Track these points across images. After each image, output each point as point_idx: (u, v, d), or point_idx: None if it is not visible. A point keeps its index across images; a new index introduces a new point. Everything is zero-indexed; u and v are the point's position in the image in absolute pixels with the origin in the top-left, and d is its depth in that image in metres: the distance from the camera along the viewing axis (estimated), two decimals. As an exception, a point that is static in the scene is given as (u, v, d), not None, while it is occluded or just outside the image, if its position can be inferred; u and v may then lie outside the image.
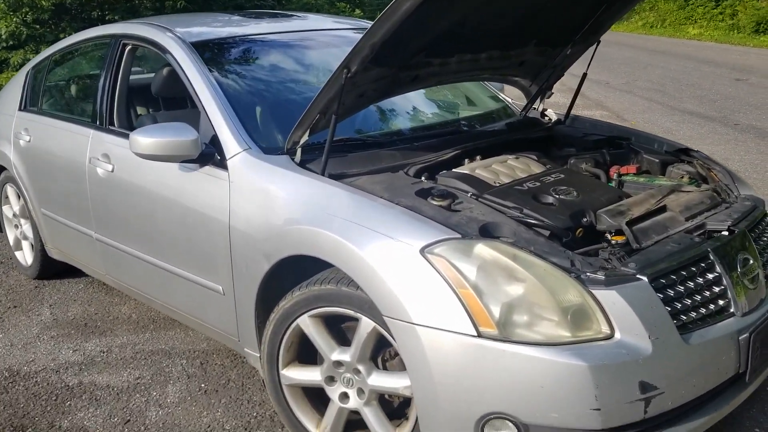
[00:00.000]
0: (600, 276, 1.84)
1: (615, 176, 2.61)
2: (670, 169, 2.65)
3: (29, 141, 3.69)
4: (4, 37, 12.03)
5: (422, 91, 3.09)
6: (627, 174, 2.62)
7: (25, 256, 4.11)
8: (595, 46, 2.97)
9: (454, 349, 1.82)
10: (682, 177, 2.59)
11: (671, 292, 1.91)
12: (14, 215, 4.12)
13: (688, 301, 1.94)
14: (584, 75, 3.09)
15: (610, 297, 1.81)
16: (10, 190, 4.08)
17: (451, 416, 1.87)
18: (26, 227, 4.02)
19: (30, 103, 3.91)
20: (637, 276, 1.87)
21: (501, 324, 1.80)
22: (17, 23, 12.05)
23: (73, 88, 3.84)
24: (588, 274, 1.85)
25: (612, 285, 1.83)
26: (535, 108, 3.24)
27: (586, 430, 1.77)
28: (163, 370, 3.00)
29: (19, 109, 3.93)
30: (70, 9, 13.42)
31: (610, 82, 11.17)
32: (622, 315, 1.80)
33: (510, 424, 1.82)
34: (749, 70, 11.55)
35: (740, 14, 18.81)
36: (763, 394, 2.60)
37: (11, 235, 4.22)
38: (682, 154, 2.78)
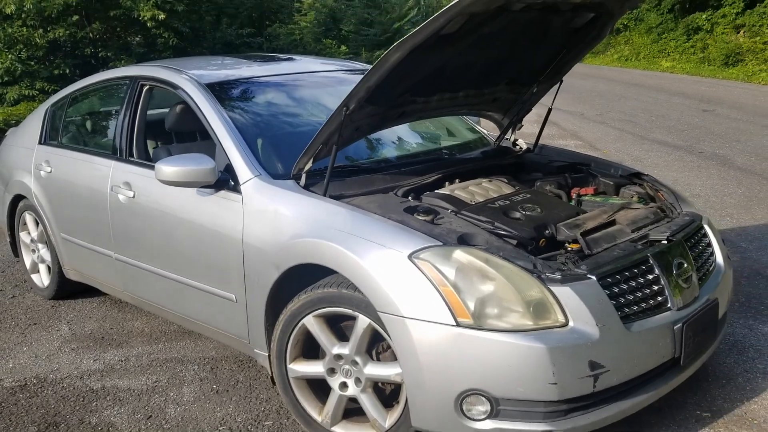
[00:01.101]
0: (557, 276, 2.25)
1: (575, 196, 3.03)
2: (623, 190, 3.07)
3: (50, 172, 4.06)
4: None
5: (409, 124, 3.50)
6: (585, 194, 3.04)
7: (42, 278, 4.44)
8: (558, 84, 3.39)
9: (436, 337, 2.21)
10: (632, 197, 3.01)
11: (616, 289, 2.32)
12: (32, 240, 4.46)
13: (631, 297, 2.34)
14: (549, 110, 3.51)
15: (565, 292, 2.22)
16: (28, 218, 4.43)
17: (435, 395, 2.25)
18: (43, 251, 4.36)
19: (50, 137, 4.29)
20: (588, 276, 2.27)
21: (475, 315, 2.19)
22: (12, 60, 12.47)
23: (94, 124, 4.22)
24: (547, 274, 2.25)
25: (566, 283, 2.23)
26: (507, 138, 3.66)
27: (545, 401, 2.16)
28: (178, 374, 3.34)
29: (39, 143, 4.30)
30: (63, 46, 13.86)
31: (584, 114, 11.71)
32: (575, 307, 2.20)
33: (483, 398, 2.20)
34: (716, 102, 12.15)
35: (710, 47, 19.58)
36: (705, 383, 2.99)
37: (28, 259, 4.56)
38: (634, 177, 3.21)
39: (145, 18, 12.88)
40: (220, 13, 19.20)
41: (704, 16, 20.95)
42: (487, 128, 3.97)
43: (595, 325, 2.20)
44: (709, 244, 2.87)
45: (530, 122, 9.06)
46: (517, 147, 3.62)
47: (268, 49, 18.99)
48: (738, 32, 19.37)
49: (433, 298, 2.23)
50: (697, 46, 20.61)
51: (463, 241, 2.36)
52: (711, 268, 2.78)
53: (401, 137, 3.49)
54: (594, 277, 2.27)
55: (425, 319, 2.23)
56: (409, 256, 2.29)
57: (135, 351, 3.62)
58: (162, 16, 12.84)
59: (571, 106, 12.92)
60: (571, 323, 2.20)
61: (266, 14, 23.84)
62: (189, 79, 3.35)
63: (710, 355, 2.78)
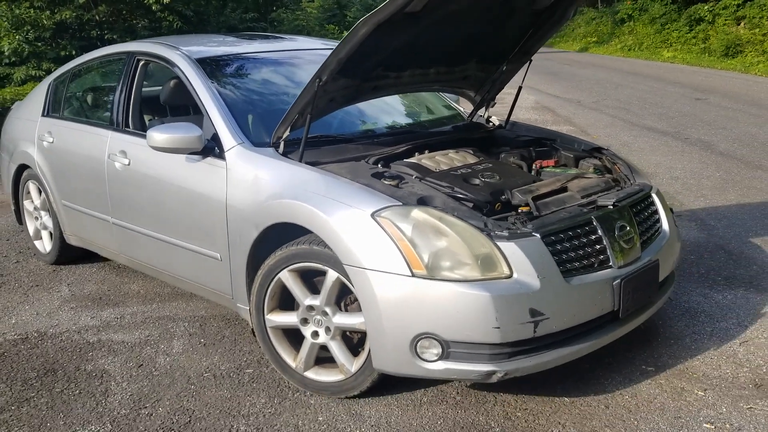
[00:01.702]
0: (504, 233, 2.48)
1: (538, 167, 3.26)
2: (582, 163, 3.30)
3: (52, 142, 4.31)
4: (7, 53, 12.69)
5: (387, 99, 3.72)
6: (547, 166, 3.27)
7: (44, 244, 4.70)
8: (527, 63, 3.61)
9: (394, 286, 2.46)
10: (589, 168, 3.24)
11: (559, 247, 2.56)
12: (35, 208, 4.72)
13: (573, 254, 2.58)
14: (519, 88, 3.73)
15: (510, 248, 2.45)
16: (31, 186, 4.68)
17: (393, 339, 2.49)
18: (46, 218, 4.62)
19: (52, 110, 4.53)
20: (532, 233, 2.51)
21: (429, 267, 2.43)
22: (20, 41, 12.72)
23: (93, 97, 4.46)
24: (496, 232, 2.49)
25: (512, 239, 2.47)
26: (481, 115, 3.89)
27: (490, 343, 2.40)
28: (169, 330, 3.59)
29: (42, 115, 4.55)
30: (70, 28, 14.10)
31: (581, 101, 11.90)
32: (519, 261, 2.44)
33: (435, 341, 2.44)
34: (710, 91, 12.31)
35: (712, 38, 19.67)
36: (654, 342, 3.23)
37: (31, 226, 4.82)
38: (595, 151, 3.44)
39: (150, 1, 13.11)
40: (226, -3, 19.38)
41: (706, 8, 21.00)
42: (465, 106, 4.19)
43: (536, 277, 2.44)
44: (656, 212, 3.10)
45: (523, 109, 9.29)
46: (490, 123, 3.84)
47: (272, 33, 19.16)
48: (739, 24, 19.44)
49: (391, 252, 2.47)
50: (699, 37, 20.69)
51: (422, 202, 2.59)
52: (655, 233, 3.01)
53: (377, 111, 3.72)
54: (538, 235, 2.51)
55: (384, 270, 2.47)
56: (372, 215, 2.53)
57: (130, 310, 3.87)
58: (167, 0, 13.06)
59: (569, 93, 13.11)
60: (515, 275, 2.43)
61: (271, 0, 24.00)
62: (181, 54, 3.58)
63: (654, 312, 3.02)
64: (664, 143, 7.84)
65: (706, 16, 20.90)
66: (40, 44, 12.97)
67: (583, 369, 3.00)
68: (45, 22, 12.81)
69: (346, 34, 2.65)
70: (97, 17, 13.64)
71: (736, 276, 3.99)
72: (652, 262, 2.83)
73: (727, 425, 2.60)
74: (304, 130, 2.89)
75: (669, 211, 3.20)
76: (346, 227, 2.56)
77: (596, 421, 2.64)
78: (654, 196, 3.15)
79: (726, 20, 19.94)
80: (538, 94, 13.29)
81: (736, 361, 3.07)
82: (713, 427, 2.59)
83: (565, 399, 2.80)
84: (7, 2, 12.68)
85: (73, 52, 12.69)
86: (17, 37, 12.57)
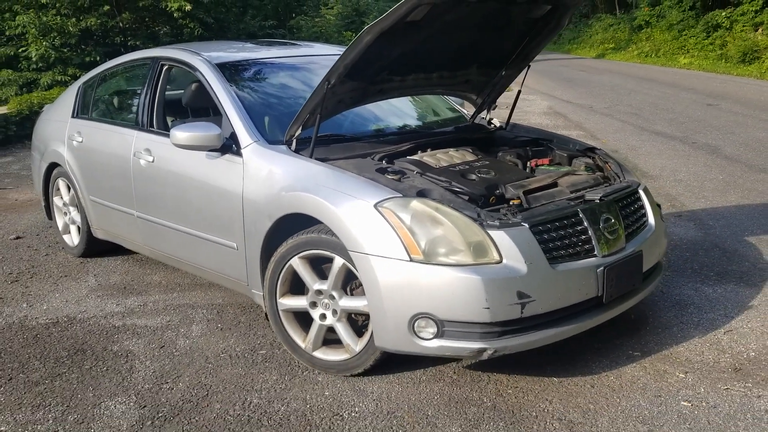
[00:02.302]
0: (495, 223, 2.71)
1: (534, 165, 3.48)
2: (575, 161, 3.51)
3: (81, 141, 4.60)
4: (34, 59, 13.13)
5: (394, 101, 3.97)
6: (542, 164, 3.49)
7: (72, 238, 4.99)
8: (526, 69, 3.83)
9: (394, 270, 2.69)
10: (581, 166, 3.46)
11: (546, 236, 2.78)
12: (64, 204, 5.01)
13: (559, 243, 2.80)
14: (519, 92, 3.96)
15: (500, 236, 2.68)
16: (61, 184, 4.98)
17: (393, 319, 2.73)
18: (74, 214, 4.91)
19: (81, 111, 4.83)
20: (521, 223, 2.74)
21: (426, 253, 2.67)
22: (46, 47, 13.16)
23: (120, 99, 4.76)
24: (488, 221, 2.72)
25: (502, 228, 2.70)
26: (483, 117, 4.12)
27: (480, 323, 2.63)
28: (188, 316, 3.85)
29: (72, 117, 4.85)
30: (95, 35, 14.53)
31: (593, 106, 12.07)
32: (508, 248, 2.67)
33: (431, 321, 2.68)
34: (723, 97, 12.42)
35: (729, 45, 19.73)
36: (643, 330, 3.44)
37: (60, 221, 5.11)
38: (588, 151, 3.65)
39: (172, 9, 13.50)
40: (246, 5, 19.79)
41: (724, 14, 21.07)
42: (470, 109, 4.42)
43: (524, 262, 2.66)
44: (642, 207, 3.31)
45: (536, 114, 9.55)
46: (491, 125, 4.07)
47: (290, 39, 19.54)
48: (756, 30, 19.48)
49: (392, 239, 2.71)
50: (716, 43, 20.75)
51: (422, 194, 2.83)
52: (640, 227, 3.22)
53: (385, 113, 3.96)
54: (526, 225, 2.74)
55: (385, 255, 2.71)
56: (375, 205, 2.77)
57: (153, 298, 4.14)
58: (188, 7, 13.45)
59: (582, 99, 13.29)
60: (504, 261, 2.66)
61: (291, 7, 24.41)
62: (202, 59, 3.85)
63: (639, 300, 3.23)
64: (671, 147, 8.01)
65: (723, 23, 20.97)
66: (66, 50, 13.41)
67: (574, 352, 3.21)
68: (71, 29, 13.25)
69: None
70: (121, 24, 14.07)
71: (728, 272, 4.18)
72: (636, 253, 3.04)
73: (704, 403, 2.80)
74: (315, 129, 3.13)
75: (656, 207, 3.40)
76: (351, 217, 2.81)
77: (581, 398, 2.86)
78: (641, 192, 3.36)
79: (744, 26, 20.00)
80: (552, 99, 13.49)
81: (719, 348, 3.26)
82: (690, 404, 2.79)
83: (554, 379, 3.01)
84: (35, 10, 13.12)
85: (98, 58, 13.12)
86: (44, 43, 13.01)
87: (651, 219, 3.31)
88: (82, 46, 13.95)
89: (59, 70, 13.34)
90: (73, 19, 13.34)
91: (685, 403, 2.80)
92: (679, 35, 23.33)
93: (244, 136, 3.38)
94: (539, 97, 14.06)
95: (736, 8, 20.80)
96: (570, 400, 2.85)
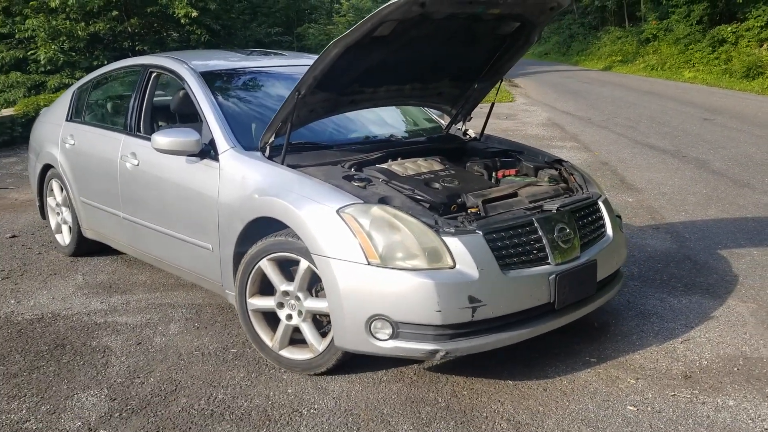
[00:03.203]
0: (451, 230, 2.84)
1: (501, 176, 3.61)
2: (540, 173, 3.63)
3: (74, 144, 4.76)
4: (43, 62, 13.36)
5: (372, 111, 4.10)
6: (508, 175, 3.61)
7: (64, 237, 5.15)
8: (499, 82, 3.95)
9: (352, 272, 2.82)
10: (545, 177, 3.57)
11: (500, 243, 2.90)
12: (57, 204, 5.17)
13: (512, 250, 2.92)
14: (492, 104, 4.08)
15: (454, 242, 2.81)
16: (54, 185, 5.14)
17: (351, 319, 2.85)
18: (66, 214, 5.07)
19: (75, 115, 5.00)
20: (475, 231, 2.86)
21: (383, 257, 2.79)
22: (55, 50, 13.39)
23: (110, 104, 4.92)
24: (444, 228, 2.84)
25: (457, 235, 2.82)
26: (459, 128, 4.24)
27: (433, 325, 2.75)
28: (168, 315, 3.99)
29: (66, 120, 5.01)
30: (103, 39, 14.77)
31: (592, 119, 12.18)
32: (461, 254, 2.79)
33: (387, 322, 2.80)
34: (721, 111, 12.49)
35: (734, 60, 19.77)
36: (602, 338, 3.54)
37: (53, 221, 5.27)
38: (555, 163, 3.77)
39: (179, 15, 13.72)
40: (255, 12, 20.02)
41: (729, 29, 21.12)
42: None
43: (476, 268, 2.78)
44: (601, 218, 3.42)
45: (534, 125, 9.66)
46: (466, 136, 4.19)
47: (296, 47, 19.75)
48: (761, 46, 19.53)
49: (351, 243, 2.84)
50: (722, 57, 20.78)
51: (383, 201, 2.96)
52: (597, 237, 3.33)
53: (361, 122, 4.10)
54: (480, 232, 2.86)
55: (344, 258, 2.84)
56: (337, 211, 2.90)
57: (136, 297, 4.28)
58: (195, 14, 13.66)
59: (582, 111, 13.39)
60: (457, 266, 2.78)
61: (302, 15, 24.63)
62: (187, 68, 4.01)
63: (593, 308, 3.33)
64: (661, 161, 8.11)
65: (729, 38, 21.01)
66: (74, 54, 13.64)
67: (531, 357, 3.32)
68: (80, 33, 13.49)
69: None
70: (129, 29, 14.30)
71: (695, 283, 4.28)
72: (590, 262, 3.16)
73: (649, 408, 2.90)
74: (286, 137, 3.27)
75: (615, 218, 3.52)
76: (315, 221, 2.94)
77: (532, 401, 2.97)
78: (600, 203, 3.47)
79: (749, 42, 20.05)
80: (552, 111, 13.60)
81: (673, 356, 3.36)
82: (636, 409, 2.89)
83: (509, 382, 3.12)
84: (45, 14, 13.37)
85: (105, 62, 13.33)
86: (53, 47, 13.24)
87: (609, 230, 3.42)
88: (90, 50, 14.19)
89: (67, 73, 13.58)
90: (82, 24, 13.59)
91: (632, 408, 2.90)
92: (685, 49, 23.38)
93: (221, 142, 3.52)
94: (540, 108, 14.18)
95: (742, 23, 20.86)
96: (521, 402, 2.96)
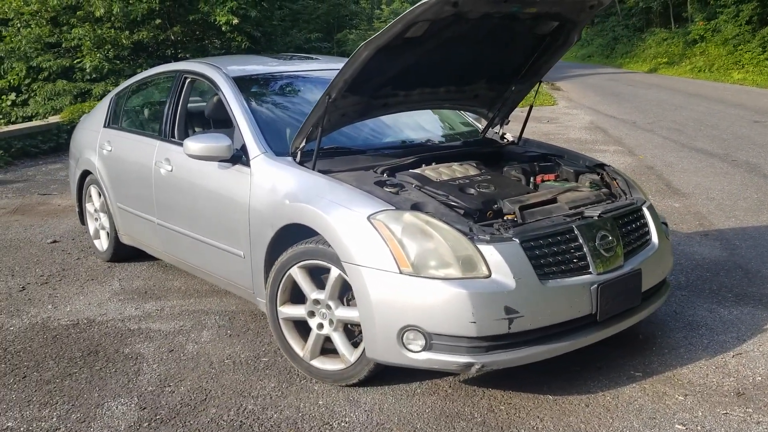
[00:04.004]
0: (486, 237, 2.72)
1: (540, 181, 3.47)
2: (581, 177, 3.49)
3: (110, 150, 4.78)
4: (88, 70, 13.62)
5: (408, 114, 4.00)
6: (548, 180, 3.48)
7: (102, 243, 5.17)
8: (538, 84, 3.82)
9: (383, 282, 2.73)
10: (586, 182, 3.43)
11: (538, 252, 2.77)
12: (95, 210, 5.21)
13: (551, 259, 2.79)
14: (530, 107, 3.95)
15: (489, 250, 2.69)
16: (93, 191, 5.17)
17: (383, 330, 2.76)
18: (104, 219, 5.09)
19: (112, 121, 5.02)
20: (512, 239, 2.74)
21: (415, 265, 2.69)
22: (100, 59, 13.62)
23: (146, 110, 4.93)
24: (478, 236, 2.73)
25: (492, 242, 2.70)
26: (497, 132, 4.12)
27: (467, 337, 2.64)
28: (201, 322, 3.95)
29: (104, 126, 5.04)
30: (147, 47, 15.00)
31: (636, 122, 11.87)
32: (497, 263, 2.68)
33: (419, 333, 2.70)
34: (772, 114, 12.07)
35: (786, 60, 19.14)
36: (648, 351, 3.37)
37: (92, 226, 5.31)
38: (597, 167, 3.62)
39: (221, 22, 13.85)
40: (296, 18, 20.14)
41: (781, 28, 20.46)
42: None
43: (512, 277, 2.66)
44: (645, 225, 3.26)
45: (576, 129, 9.49)
46: (504, 140, 4.07)
47: (336, 53, 19.80)
48: (815, 45, 18.85)
49: (383, 251, 2.74)
50: (773, 58, 20.16)
51: (415, 207, 2.86)
52: (642, 245, 3.17)
53: (396, 126, 4.01)
54: (517, 240, 2.73)
55: (376, 267, 2.75)
56: (368, 217, 2.81)
57: (170, 303, 4.26)
58: (236, 21, 13.77)
59: (626, 114, 13.07)
60: (493, 275, 2.67)
61: (342, 21, 24.73)
62: (221, 73, 3.97)
63: (638, 320, 3.17)
64: (709, 165, 7.83)
65: (780, 37, 20.38)
66: (118, 62, 13.87)
67: (572, 370, 3.18)
68: (124, 42, 13.70)
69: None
70: (172, 37, 14.49)
71: (747, 293, 4.07)
72: (635, 271, 3.00)
73: (699, 427, 2.74)
74: (317, 142, 3.20)
75: (661, 225, 3.35)
76: (345, 228, 2.86)
77: (573, 417, 2.83)
78: (645, 209, 3.31)
79: (802, 41, 19.40)
80: (596, 114, 13.32)
81: (724, 371, 3.18)
82: (685, 428, 2.73)
83: (549, 396, 2.99)
84: (91, 23, 13.63)
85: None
86: (98, 55, 13.48)
87: (654, 237, 3.26)
88: (134, 58, 14.42)
89: (112, 81, 13.79)
90: (126, 32, 13.80)
91: (680, 427, 2.74)
92: (734, 50, 22.73)
93: (253, 147, 3.47)
94: (583, 111, 13.90)
95: (795, 22, 20.19)
96: (562, 418, 2.82)
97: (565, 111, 14.00)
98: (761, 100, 14.28)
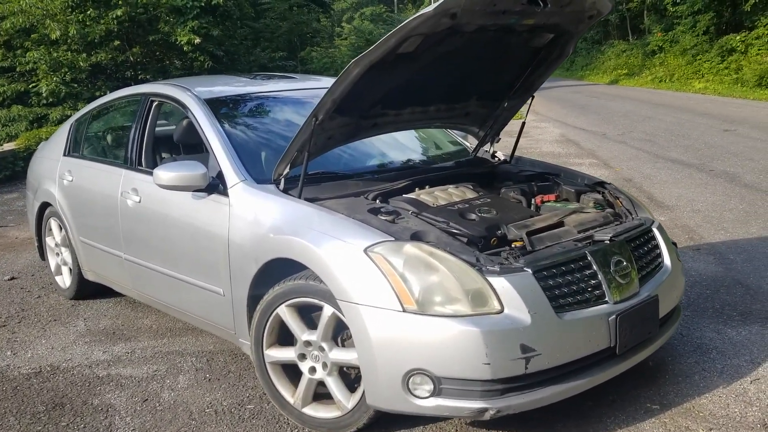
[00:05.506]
0: (496, 268, 2.48)
1: (539, 202, 3.26)
2: (583, 197, 3.28)
3: (72, 181, 4.44)
4: (45, 95, 13.13)
5: (393, 135, 3.76)
6: (548, 201, 3.26)
7: (64, 279, 4.81)
8: (530, 99, 3.62)
9: (385, 321, 2.46)
10: (590, 203, 3.22)
11: (551, 282, 2.54)
12: (56, 245, 4.85)
13: (566, 289, 2.56)
14: (523, 123, 3.74)
15: (501, 283, 2.45)
16: (53, 224, 4.81)
17: (385, 375, 2.49)
18: (66, 254, 4.74)
19: (73, 149, 4.68)
20: (524, 269, 2.50)
21: (420, 302, 2.44)
22: (57, 82, 13.15)
23: (110, 137, 4.61)
24: (487, 267, 2.49)
25: (503, 274, 2.46)
26: (487, 150, 3.90)
27: (481, 380, 2.38)
28: (176, 365, 3.63)
29: (64, 155, 4.70)
30: (105, 69, 14.55)
31: (606, 134, 11.84)
32: (510, 296, 2.43)
33: (427, 377, 2.44)
34: (740, 122, 12.14)
35: (744, 69, 19.46)
36: (661, 379, 3.17)
37: (53, 262, 4.94)
38: (598, 186, 3.42)
39: (182, 42, 13.51)
40: (258, 37, 19.86)
41: (738, 38, 20.87)
42: (473, 142, 4.20)
43: (527, 312, 2.42)
44: (657, 247, 3.06)
45: (548, 142, 9.31)
46: (495, 158, 3.85)
47: (300, 71, 19.57)
48: (772, 53, 19.22)
49: (383, 287, 2.48)
50: (731, 67, 20.50)
51: (416, 237, 2.61)
52: (655, 268, 2.97)
53: (382, 148, 3.76)
54: (530, 270, 2.50)
55: (376, 305, 2.48)
56: (365, 250, 2.55)
57: (141, 344, 3.93)
58: (197, 41, 13.44)
59: (595, 126, 13.06)
60: (506, 310, 2.42)
61: (305, 39, 24.51)
62: (191, 95, 3.69)
63: (655, 349, 2.96)
64: (687, 175, 7.75)
65: (738, 47, 20.75)
66: (76, 85, 13.41)
67: (586, 407, 2.95)
68: (81, 64, 13.26)
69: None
70: (131, 58, 14.08)
71: (752, 311, 3.90)
72: (652, 298, 2.79)
73: (731, 466, 2.52)
74: (303, 168, 2.94)
75: (671, 245, 3.16)
76: (339, 262, 2.59)
77: (595, 460, 2.59)
78: (655, 230, 3.11)
79: (759, 50, 19.76)
80: (565, 127, 13.27)
81: (745, 399, 2.98)
82: (716, 467, 2.52)
83: (565, 437, 2.75)
84: (47, 46, 13.17)
85: (108, 92, 13.09)
86: (55, 78, 13.02)
87: (666, 259, 3.06)
88: (93, 81, 13.98)
89: (69, 104, 13.33)
90: (84, 55, 13.37)
91: (711, 466, 2.53)
92: (693, 60, 23.12)
93: (230, 175, 3.19)
94: (551, 124, 13.86)
95: (751, 32, 20.58)
96: (582, 462, 2.58)
97: (534, 124, 13.92)
98: (727, 109, 14.42)
